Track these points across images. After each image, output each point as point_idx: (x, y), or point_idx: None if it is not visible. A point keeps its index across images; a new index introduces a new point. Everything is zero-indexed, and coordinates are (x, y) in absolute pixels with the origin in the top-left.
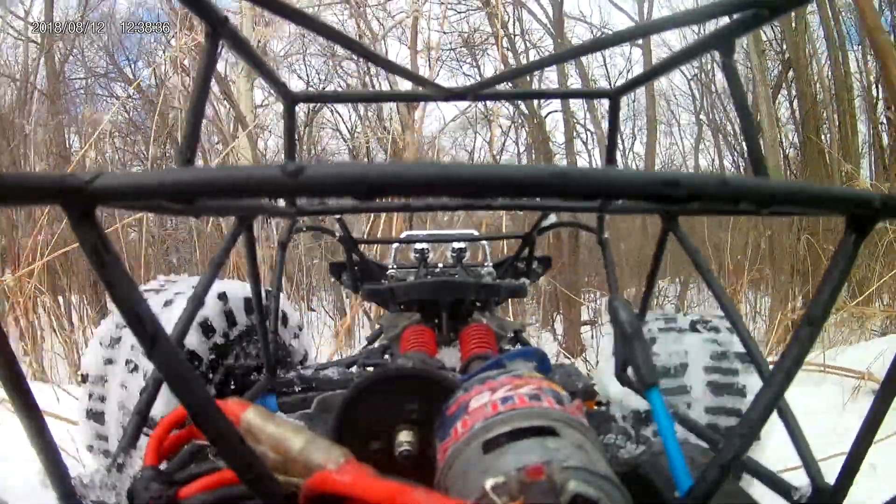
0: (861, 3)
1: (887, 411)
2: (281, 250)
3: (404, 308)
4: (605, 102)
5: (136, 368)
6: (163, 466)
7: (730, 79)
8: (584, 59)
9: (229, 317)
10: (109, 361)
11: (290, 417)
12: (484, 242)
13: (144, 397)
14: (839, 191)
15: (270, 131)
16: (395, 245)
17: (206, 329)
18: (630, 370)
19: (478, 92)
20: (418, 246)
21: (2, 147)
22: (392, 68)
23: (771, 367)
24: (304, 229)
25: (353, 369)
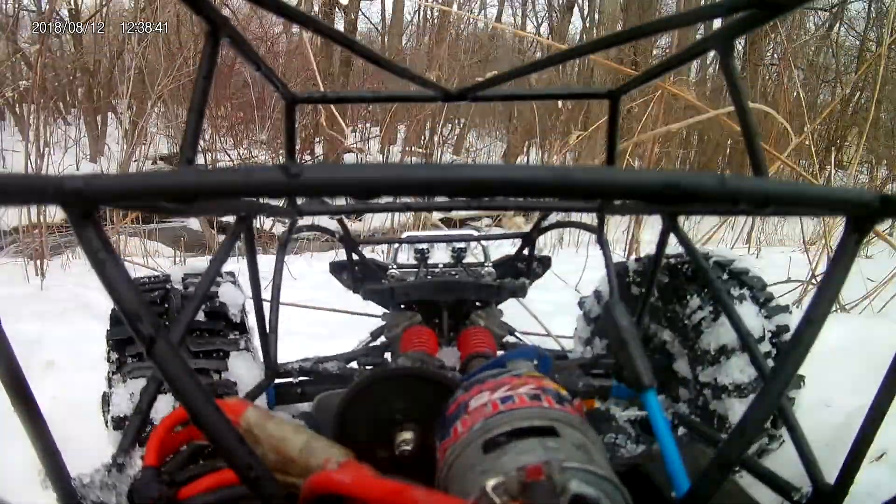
0: None
1: (887, 411)
2: (281, 250)
3: (405, 308)
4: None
5: None
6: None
7: (729, 78)
8: None
9: None
10: None
11: (289, 416)
12: (484, 242)
13: (145, 397)
14: (839, 191)
15: None
16: (396, 245)
17: None
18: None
19: (476, 93)
20: (419, 246)
21: None
22: (392, 69)
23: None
24: (304, 229)
25: (353, 364)
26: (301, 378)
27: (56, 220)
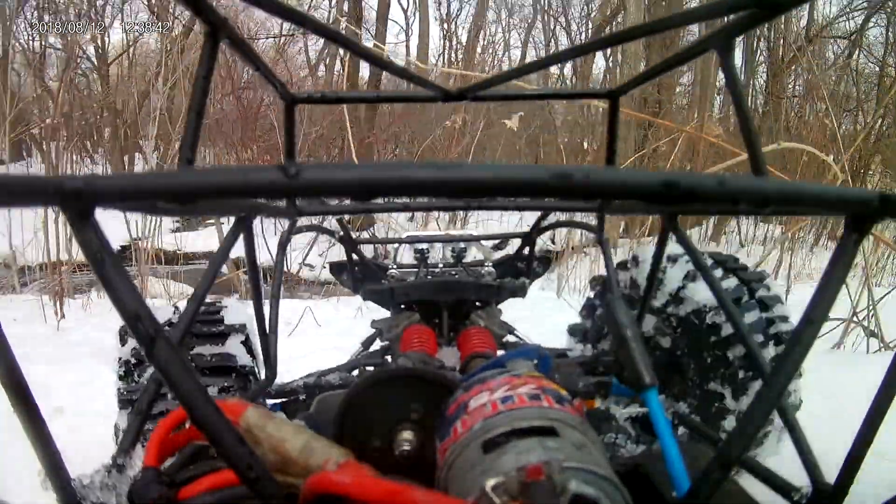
0: None
1: (886, 411)
2: (281, 251)
3: (404, 308)
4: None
5: None
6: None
7: (728, 78)
8: None
9: None
10: None
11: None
12: (484, 242)
13: (145, 397)
14: (838, 191)
15: None
16: (396, 245)
17: None
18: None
19: (476, 93)
20: (419, 246)
21: None
22: (391, 69)
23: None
24: (304, 229)
25: (356, 373)
26: (305, 395)
27: (80, 258)
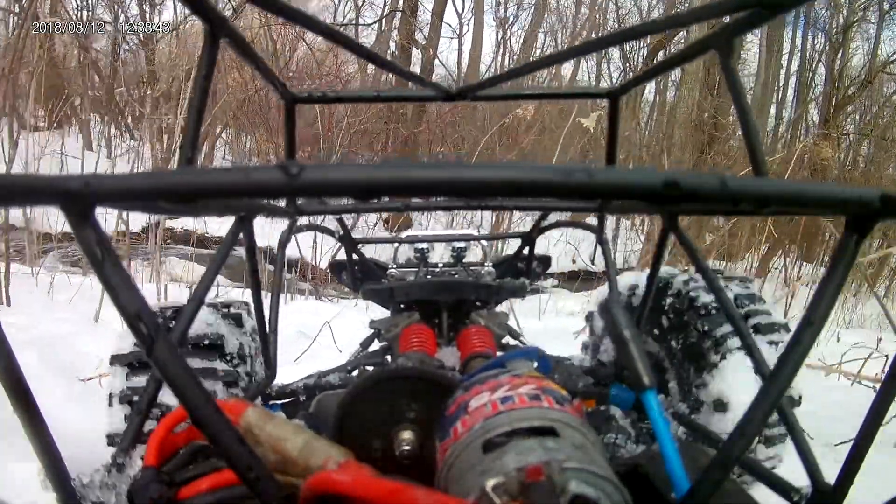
0: None
1: (887, 411)
2: (281, 250)
3: (404, 307)
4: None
5: None
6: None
7: (729, 79)
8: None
9: None
10: None
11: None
12: (483, 242)
13: (145, 397)
14: (839, 191)
15: None
16: (396, 245)
17: None
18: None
19: (476, 92)
20: (418, 246)
21: None
22: (392, 69)
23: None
24: (304, 229)
25: (356, 374)
26: (305, 395)
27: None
